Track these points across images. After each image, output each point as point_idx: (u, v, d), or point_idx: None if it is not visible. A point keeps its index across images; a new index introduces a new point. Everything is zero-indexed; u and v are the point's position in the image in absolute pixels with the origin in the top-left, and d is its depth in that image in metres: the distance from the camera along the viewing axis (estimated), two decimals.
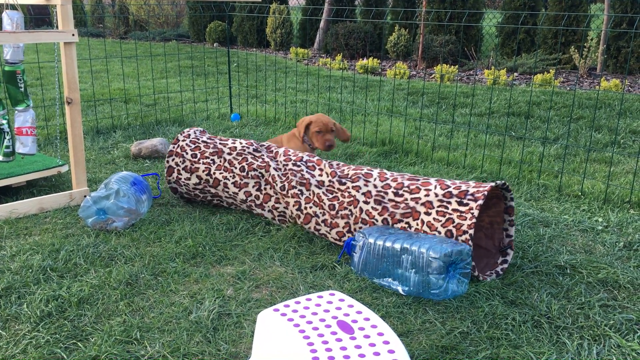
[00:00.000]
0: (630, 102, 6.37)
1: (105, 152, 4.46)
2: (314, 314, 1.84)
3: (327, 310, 1.86)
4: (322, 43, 11.20)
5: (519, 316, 2.25)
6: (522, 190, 3.69)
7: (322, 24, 11.19)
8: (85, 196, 3.34)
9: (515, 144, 4.80)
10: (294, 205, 2.93)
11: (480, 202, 2.48)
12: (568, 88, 7.48)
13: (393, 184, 2.72)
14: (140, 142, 4.34)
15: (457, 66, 8.31)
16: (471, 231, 2.44)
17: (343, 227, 2.78)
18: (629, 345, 2.08)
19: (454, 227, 2.49)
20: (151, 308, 2.28)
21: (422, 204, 2.61)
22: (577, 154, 4.51)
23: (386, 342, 1.71)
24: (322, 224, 2.84)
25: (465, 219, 2.47)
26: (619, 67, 8.42)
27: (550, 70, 7.81)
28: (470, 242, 2.43)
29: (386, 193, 2.71)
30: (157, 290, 2.41)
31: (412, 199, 2.64)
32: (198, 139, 3.33)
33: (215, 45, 12.24)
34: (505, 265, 2.61)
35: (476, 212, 2.46)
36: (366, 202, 2.74)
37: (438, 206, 2.57)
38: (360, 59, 9.73)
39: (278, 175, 3.01)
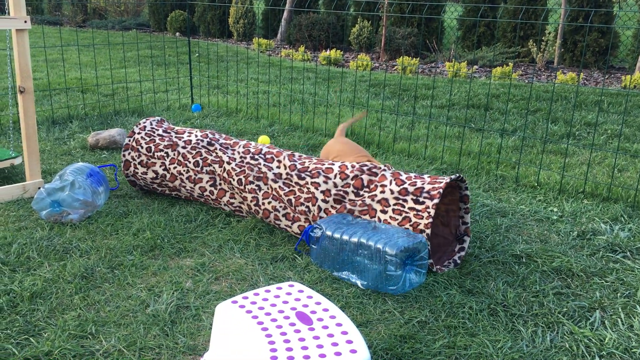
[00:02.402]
0: (586, 94, 6.53)
1: (61, 143, 4.34)
2: (273, 305, 1.83)
3: (286, 302, 1.86)
4: (285, 34, 11.13)
5: (475, 305, 2.28)
6: (480, 181, 3.75)
7: (285, 14, 11.12)
8: (39, 188, 3.25)
9: (475, 135, 4.87)
10: (251, 201, 2.89)
11: (436, 200, 2.49)
12: (526, 81, 7.62)
13: (352, 182, 2.70)
14: (98, 133, 4.25)
15: (418, 58, 8.37)
16: (428, 230, 2.46)
17: (304, 222, 2.77)
18: (581, 332, 2.13)
19: (410, 226, 2.50)
20: (107, 302, 2.24)
21: (378, 202, 2.61)
22: (534, 146, 4.60)
23: (344, 333, 1.71)
24: (284, 218, 2.82)
25: (422, 218, 2.49)
26: (576, 61, 8.62)
27: (510, 64, 7.94)
28: (427, 241, 2.45)
29: (347, 192, 2.70)
30: (113, 284, 2.37)
31: (369, 197, 2.64)
32: (154, 132, 3.23)
33: (177, 35, 12.05)
34: (463, 253, 2.64)
35: (432, 212, 2.47)
36: (325, 201, 2.72)
37: (394, 204, 2.57)
38: (323, 51, 9.72)
39: (233, 168, 2.95)
